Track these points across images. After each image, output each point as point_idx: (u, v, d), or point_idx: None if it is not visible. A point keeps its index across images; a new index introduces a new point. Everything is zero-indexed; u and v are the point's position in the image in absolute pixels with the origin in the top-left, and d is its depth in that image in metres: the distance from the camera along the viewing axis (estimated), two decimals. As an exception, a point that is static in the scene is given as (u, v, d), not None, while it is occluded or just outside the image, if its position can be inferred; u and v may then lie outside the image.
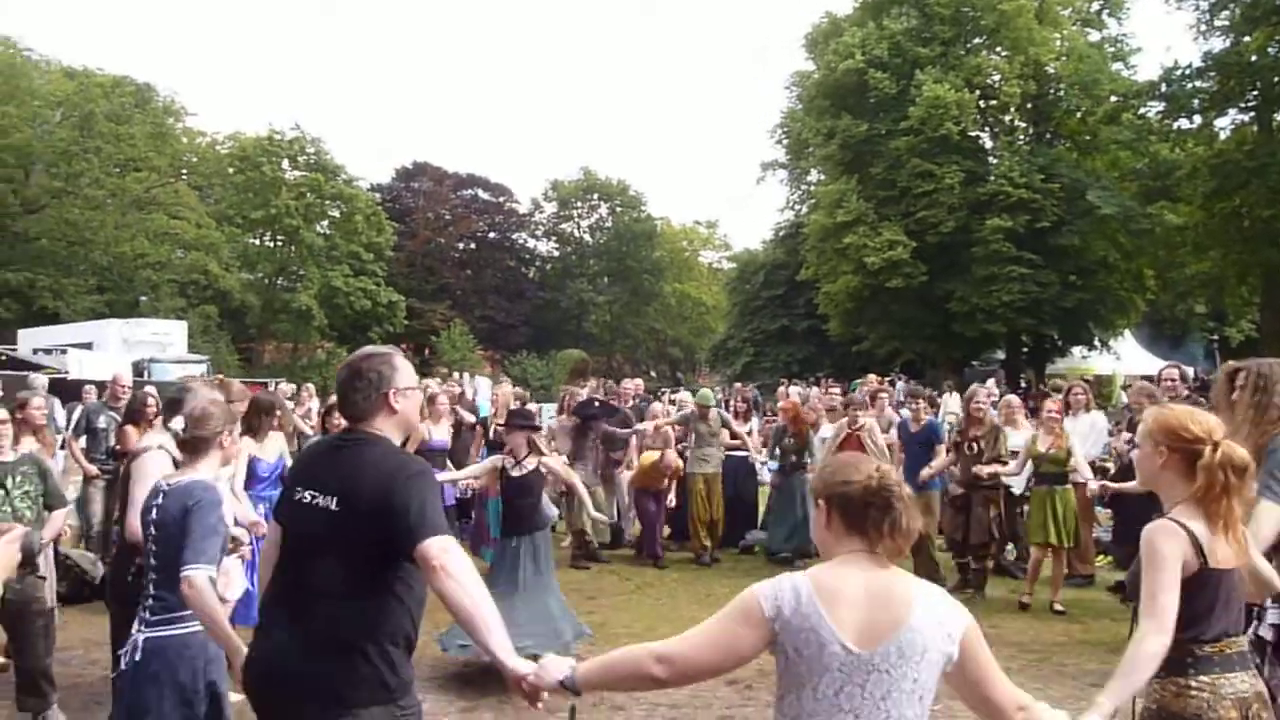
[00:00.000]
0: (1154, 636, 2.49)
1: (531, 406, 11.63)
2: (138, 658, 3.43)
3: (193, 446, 3.70)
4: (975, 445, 8.12)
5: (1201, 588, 2.59)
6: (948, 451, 8.53)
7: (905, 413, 10.53)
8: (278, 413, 6.84)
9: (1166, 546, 2.58)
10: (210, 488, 3.57)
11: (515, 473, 6.48)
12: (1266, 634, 3.02)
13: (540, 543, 6.41)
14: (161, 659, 3.42)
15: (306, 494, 2.73)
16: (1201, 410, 2.84)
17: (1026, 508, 8.42)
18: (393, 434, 2.82)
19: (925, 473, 8.42)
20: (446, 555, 2.50)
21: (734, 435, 10.46)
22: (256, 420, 6.30)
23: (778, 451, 10.09)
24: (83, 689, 5.75)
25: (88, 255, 32.55)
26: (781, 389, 18.10)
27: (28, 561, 2.57)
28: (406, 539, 2.52)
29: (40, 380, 8.63)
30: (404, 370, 2.87)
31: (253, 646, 2.75)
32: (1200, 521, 2.61)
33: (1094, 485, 7.34)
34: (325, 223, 42.24)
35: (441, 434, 9.38)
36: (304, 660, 2.58)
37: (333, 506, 2.65)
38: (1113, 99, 28.40)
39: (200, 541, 3.27)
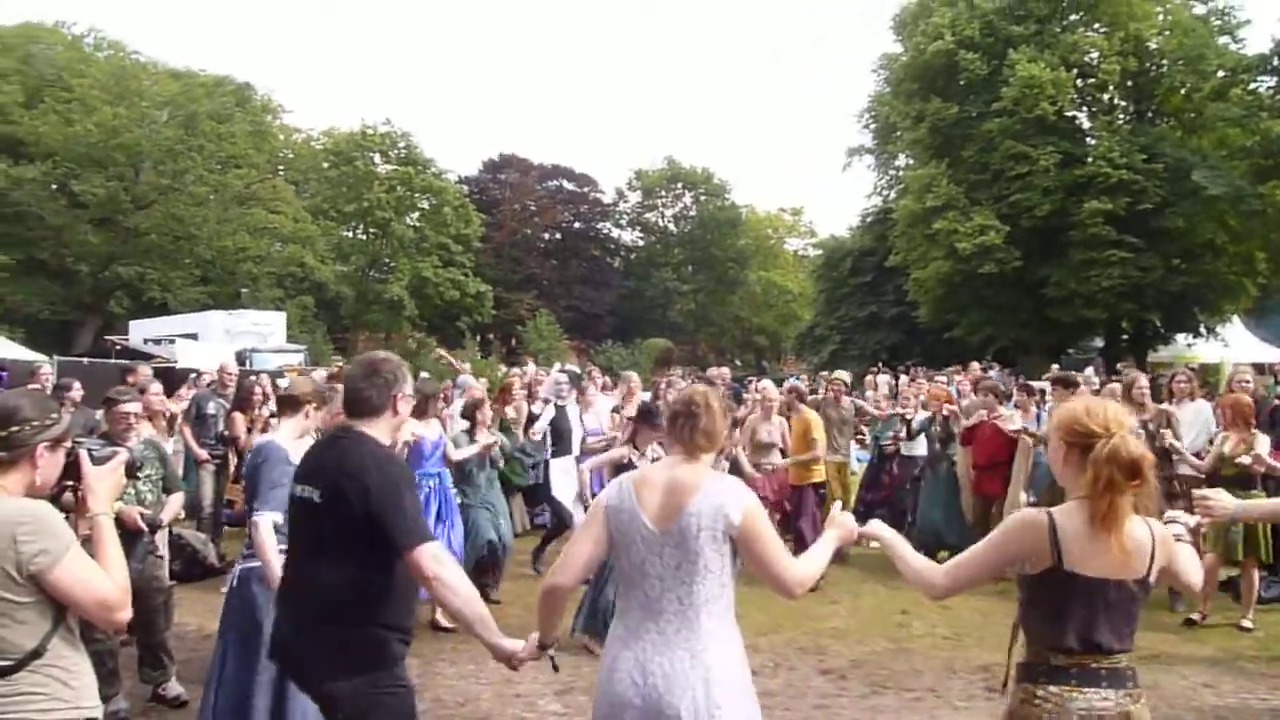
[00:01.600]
0: (940, 578, 2.56)
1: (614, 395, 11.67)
2: (234, 583, 4.33)
3: (281, 406, 4.61)
4: (1144, 430, 7.39)
5: (1058, 590, 2.42)
6: None
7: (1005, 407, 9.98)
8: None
9: (1012, 535, 2.51)
10: (278, 446, 4.21)
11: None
12: None
13: None
14: (245, 585, 4.24)
15: (299, 489, 3.04)
16: (1113, 404, 2.58)
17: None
18: (385, 435, 3.08)
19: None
20: (439, 565, 2.81)
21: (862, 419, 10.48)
22: (423, 403, 6.77)
23: (925, 441, 9.89)
24: (197, 662, 6.02)
25: (192, 249, 33.81)
26: (870, 377, 17.84)
27: (131, 473, 2.97)
28: (399, 543, 2.81)
29: (146, 370, 9.02)
30: (409, 377, 3.19)
31: (273, 623, 3.16)
32: (1082, 519, 2.42)
33: None
34: (415, 215, 43.12)
35: (591, 421, 9.42)
36: (300, 635, 2.94)
37: (316, 499, 2.93)
38: (1220, 74, 27.14)
39: (266, 491, 4.02)
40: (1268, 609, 7.40)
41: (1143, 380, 8.23)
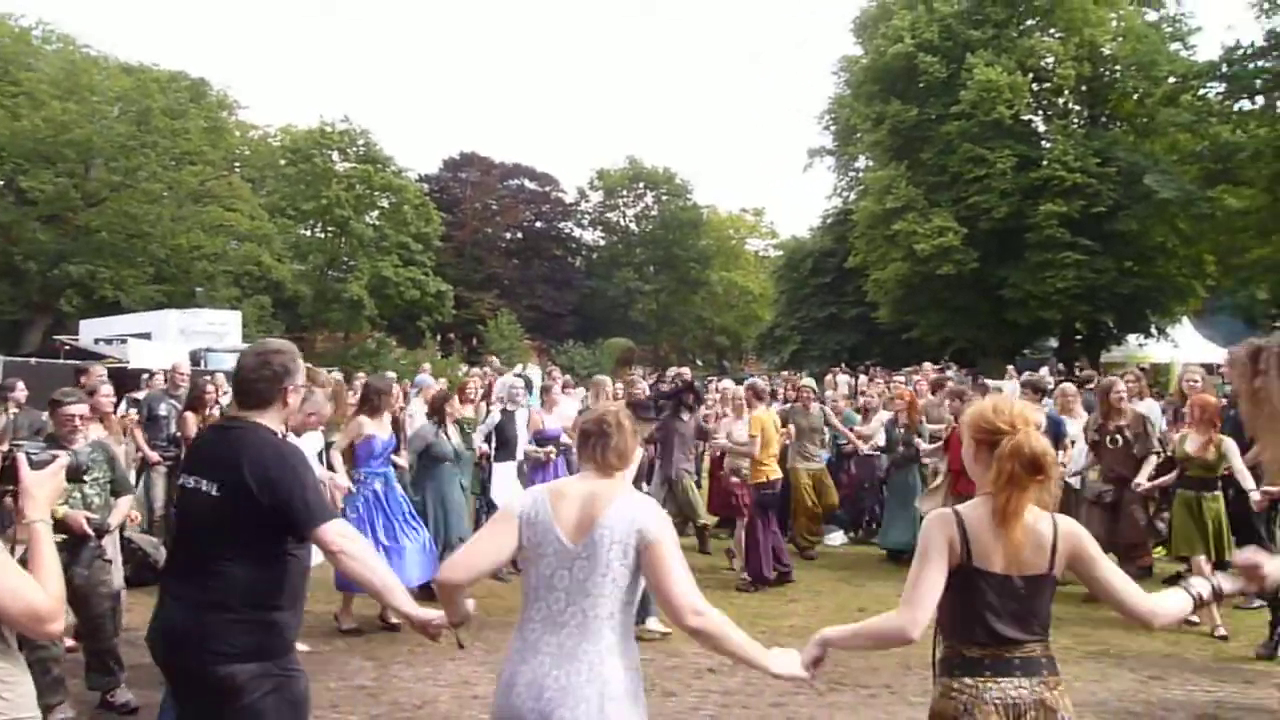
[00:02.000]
0: (901, 613, 2.49)
1: (577, 395, 11.68)
2: None
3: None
4: (1120, 438, 7.63)
5: (964, 586, 2.47)
6: (1089, 448, 8.00)
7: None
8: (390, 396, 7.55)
9: (933, 535, 2.51)
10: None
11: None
12: None
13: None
14: None
15: (191, 480, 3.07)
16: (1021, 401, 2.62)
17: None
18: (276, 425, 3.13)
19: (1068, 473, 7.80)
20: (344, 539, 2.90)
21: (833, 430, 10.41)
22: (377, 400, 6.98)
23: (888, 444, 9.84)
24: (148, 668, 5.91)
25: (146, 247, 33.19)
26: (830, 377, 17.95)
27: (74, 478, 2.82)
28: (302, 525, 2.89)
29: (99, 371, 8.85)
30: (302, 369, 3.23)
31: (154, 612, 3.07)
32: (986, 514, 2.47)
33: (1256, 496, 6.57)
34: (375, 213, 42.70)
35: (554, 422, 9.44)
36: (191, 622, 2.92)
37: (214, 492, 2.96)
38: (1171, 80, 27.72)
39: None
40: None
41: (1120, 385, 8.10)
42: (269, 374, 3.11)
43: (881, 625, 2.55)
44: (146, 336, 23.35)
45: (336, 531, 2.90)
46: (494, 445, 8.93)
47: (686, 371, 14.17)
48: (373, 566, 2.95)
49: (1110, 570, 2.55)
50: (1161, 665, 6.03)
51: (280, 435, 3.14)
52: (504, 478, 8.76)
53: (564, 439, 9.11)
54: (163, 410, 9.15)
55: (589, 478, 2.74)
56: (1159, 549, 8.89)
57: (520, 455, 8.96)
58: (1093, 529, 7.56)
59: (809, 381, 11.27)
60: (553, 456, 8.98)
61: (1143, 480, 7.32)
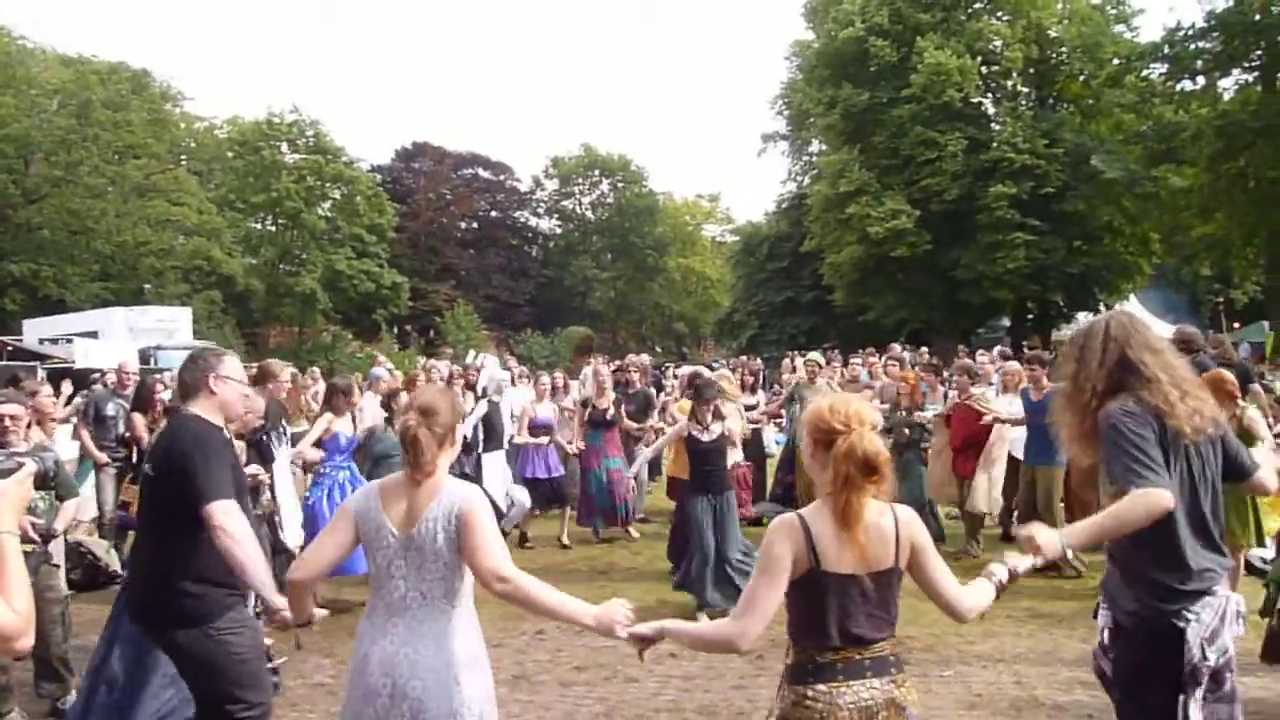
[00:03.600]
0: (735, 622, 2.51)
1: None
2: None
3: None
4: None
5: (814, 590, 2.45)
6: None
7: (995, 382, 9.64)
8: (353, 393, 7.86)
9: (777, 547, 2.47)
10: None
11: (705, 438, 6.97)
12: (1104, 636, 2.88)
13: (728, 504, 6.99)
14: None
15: (146, 467, 3.56)
16: (858, 400, 2.60)
17: None
18: (212, 415, 3.52)
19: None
20: (225, 518, 3.22)
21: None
22: (337, 399, 7.34)
23: (887, 431, 9.78)
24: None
25: (90, 244, 32.52)
26: (787, 361, 18.06)
27: (43, 485, 3.16)
28: (195, 500, 3.24)
29: (40, 374, 8.66)
30: (230, 363, 3.62)
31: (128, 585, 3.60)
32: (828, 517, 2.46)
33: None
34: (327, 205, 42.13)
35: (545, 411, 9.56)
36: (142, 590, 3.48)
37: (150, 473, 3.49)
38: (1115, 62, 28.20)
39: None
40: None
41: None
42: (193, 366, 3.56)
43: (715, 632, 2.61)
44: (93, 335, 22.88)
45: (220, 510, 3.23)
46: (481, 436, 8.94)
47: (646, 359, 14.12)
48: (246, 550, 3.24)
49: (937, 564, 2.56)
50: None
51: (207, 421, 3.48)
52: (494, 467, 8.81)
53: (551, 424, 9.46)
54: (110, 410, 8.94)
55: (413, 477, 2.86)
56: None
57: (508, 444, 9.05)
58: (1086, 510, 6.94)
59: (814, 355, 11.06)
60: (542, 444, 9.31)
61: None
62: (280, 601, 3.17)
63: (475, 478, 9.04)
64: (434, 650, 2.74)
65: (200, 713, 3.47)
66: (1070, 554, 2.78)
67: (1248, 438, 5.63)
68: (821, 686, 2.44)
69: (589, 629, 2.80)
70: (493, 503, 8.50)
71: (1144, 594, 2.74)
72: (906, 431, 9.12)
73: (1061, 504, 7.90)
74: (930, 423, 9.17)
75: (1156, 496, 2.54)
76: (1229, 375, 6.61)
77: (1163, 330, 23.02)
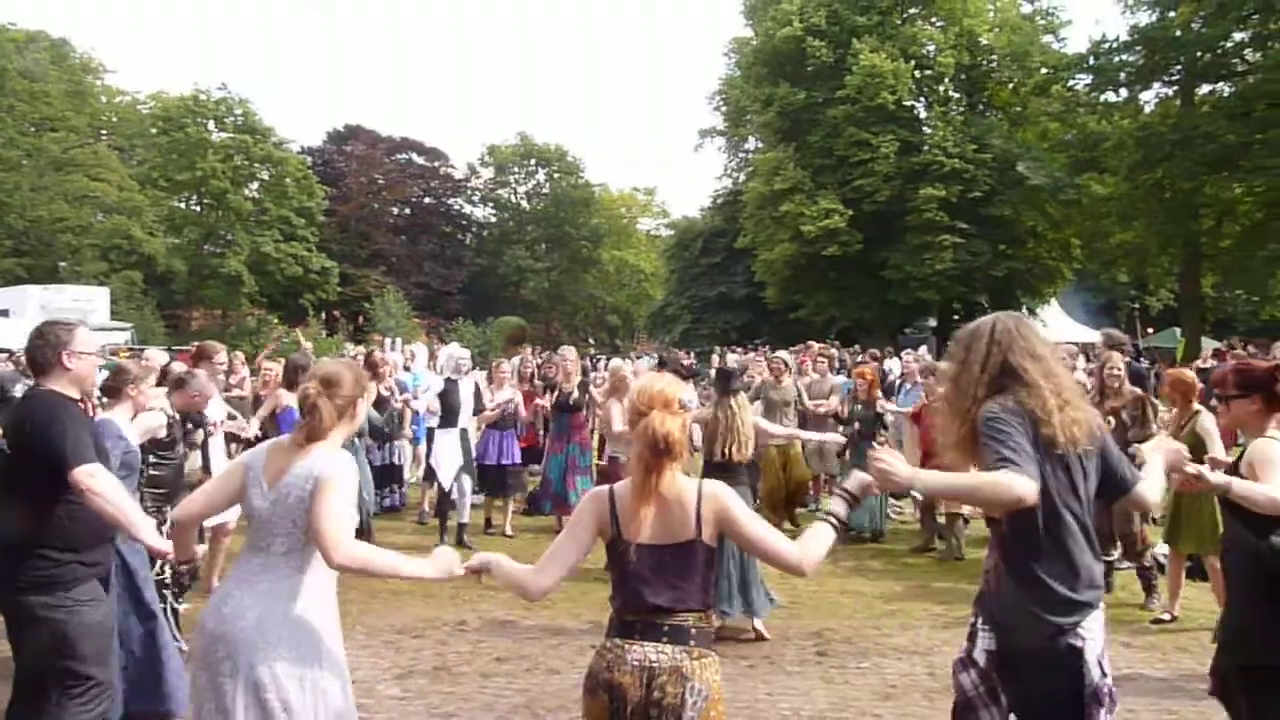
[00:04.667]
0: (534, 573, 2.68)
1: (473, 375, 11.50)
2: None
3: (107, 394, 4.80)
4: (1114, 420, 6.49)
5: (617, 556, 2.60)
6: None
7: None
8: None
9: (583, 512, 2.69)
10: (112, 423, 4.55)
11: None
12: (980, 658, 2.74)
13: (745, 500, 6.47)
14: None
15: (3, 442, 3.76)
16: (671, 380, 2.72)
17: None
18: (68, 388, 3.60)
19: None
20: (92, 479, 3.37)
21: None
22: (294, 377, 7.46)
23: (847, 422, 9.55)
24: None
25: (2, 219, 31.29)
26: (716, 356, 18.20)
27: None
28: (61, 465, 3.36)
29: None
30: (82, 337, 3.66)
31: None
32: (632, 490, 2.59)
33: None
34: (254, 186, 41.20)
35: (502, 396, 9.57)
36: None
37: (7, 449, 3.59)
38: (1043, 71, 28.93)
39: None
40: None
41: (1116, 362, 7.04)
42: (44, 344, 3.59)
43: (517, 577, 2.71)
44: (4, 314, 22.10)
45: (86, 473, 3.36)
46: (438, 413, 9.11)
47: (571, 350, 14.05)
48: (119, 504, 3.42)
49: (756, 527, 2.60)
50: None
51: (62, 395, 3.56)
52: (446, 445, 8.87)
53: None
54: (17, 392, 8.60)
55: (292, 443, 2.98)
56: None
57: (463, 423, 8.98)
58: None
59: (781, 353, 10.91)
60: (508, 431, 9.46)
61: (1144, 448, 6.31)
62: (162, 544, 3.49)
63: (428, 453, 9.52)
64: (252, 600, 2.81)
65: (34, 688, 3.50)
66: (917, 495, 2.83)
67: (1199, 444, 5.64)
68: (617, 640, 2.59)
69: (432, 580, 2.94)
70: (441, 488, 8.79)
71: (1037, 606, 2.64)
72: (858, 425, 9.21)
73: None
74: (892, 414, 9.28)
75: (1020, 483, 2.47)
76: (1191, 376, 6.58)
77: (1081, 335, 23.56)
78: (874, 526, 8.99)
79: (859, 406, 9.33)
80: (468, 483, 8.75)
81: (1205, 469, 3.31)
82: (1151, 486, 2.91)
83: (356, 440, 8.02)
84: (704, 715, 2.52)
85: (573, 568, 2.67)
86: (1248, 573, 3.30)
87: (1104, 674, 2.64)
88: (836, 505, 2.64)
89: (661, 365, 9.76)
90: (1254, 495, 3.19)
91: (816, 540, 2.57)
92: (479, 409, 9.15)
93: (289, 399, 7.32)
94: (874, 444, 8.72)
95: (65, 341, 3.59)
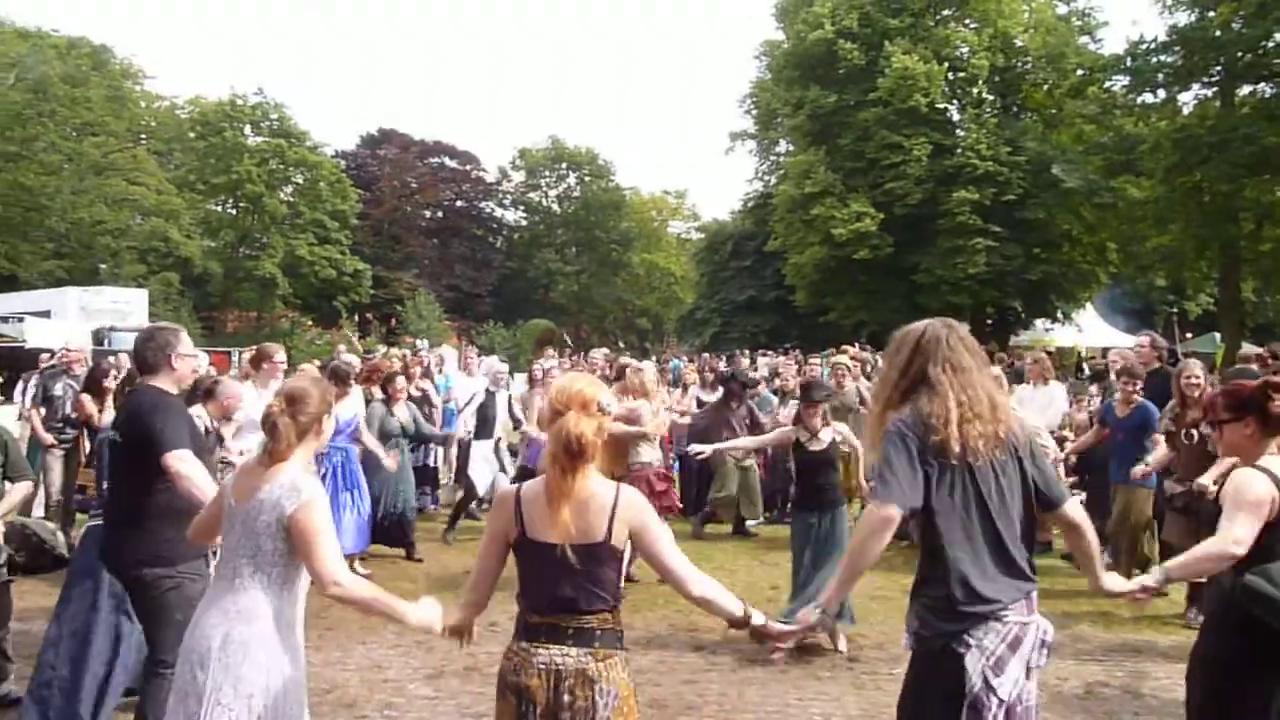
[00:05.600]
0: (472, 604, 2.81)
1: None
2: (83, 538, 4.92)
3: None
4: (1195, 433, 6.34)
5: (523, 555, 2.62)
6: (1164, 440, 6.70)
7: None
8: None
9: (491, 519, 2.75)
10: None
11: (813, 446, 6.10)
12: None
13: (840, 520, 6.06)
14: (89, 536, 4.79)
15: (111, 433, 4.13)
16: (592, 382, 2.74)
17: None
18: (170, 386, 4.03)
19: (1139, 470, 6.72)
20: (179, 463, 3.72)
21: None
22: (340, 381, 7.62)
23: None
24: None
25: (44, 221, 31.84)
26: (745, 360, 18.17)
27: None
28: (155, 451, 3.73)
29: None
30: (186, 341, 4.14)
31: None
32: (543, 489, 2.61)
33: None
34: (289, 189, 41.66)
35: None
36: (109, 535, 4.06)
37: (117, 439, 3.99)
38: (1079, 72, 28.57)
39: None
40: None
41: (1194, 371, 6.69)
42: (154, 345, 4.02)
43: (466, 616, 2.84)
44: (46, 315, 22.45)
45: (175, 457, 3.72)
46: (474, 424, 9.23)
47: (604, 353, 14.10)
48: (203, 488, 3.67)
49: (660, 546, 2.63)
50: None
51: (165, 391, 3.97)
52: (481, 455, 9.02)
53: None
54: (58, 390, 8.77)
55: (264, 459, 3.02)
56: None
57: (497, 434, 9.19)
58: (1174, 536, 6.35)
59: (842, 357, 10.66)
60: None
61: (1207, 481, 5.67)
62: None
63: (463, 464, 9.67)
64: (222, 617, 2.89)
65: (147, 657, 3.98)
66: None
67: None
68: (524, 643, 2.60)
69: (412, 626, 2.96)
70: (469, 489, 9.04)
71: (925, 611, 2.69)
72: None
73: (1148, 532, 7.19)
74: None
75: (877, 512, 2.59)
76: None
77: (1117, 339, 23.21)
78: None
79: None
80: (504, 481, 8.82)
81: (1143, 583, 3.09)
82: (1078, 507, 2.92)
83: (402, 442, 8.33)
84: (617, 713, 2.55)
85: (498, 575, 2.73)
86: (1220, 605, 3.19)
87: (989, 687, 2.55)
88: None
89: (727, 382, 9.56)
90: (1191, 569, 3.16)
91: (720, 595, 2.72)
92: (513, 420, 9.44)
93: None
94: None
95: (173, 345, 4.03)
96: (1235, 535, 3.01)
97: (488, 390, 9.36)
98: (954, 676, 2.58)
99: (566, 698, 2.52)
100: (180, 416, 3.93)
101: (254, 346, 7.88)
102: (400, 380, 8.49)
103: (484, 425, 9.12)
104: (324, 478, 7.31)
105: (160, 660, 3.83)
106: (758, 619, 2.75)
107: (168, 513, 3.81)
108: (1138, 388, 7.33)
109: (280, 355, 7.58)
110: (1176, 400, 6.61)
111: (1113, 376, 8.23)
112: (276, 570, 2.90)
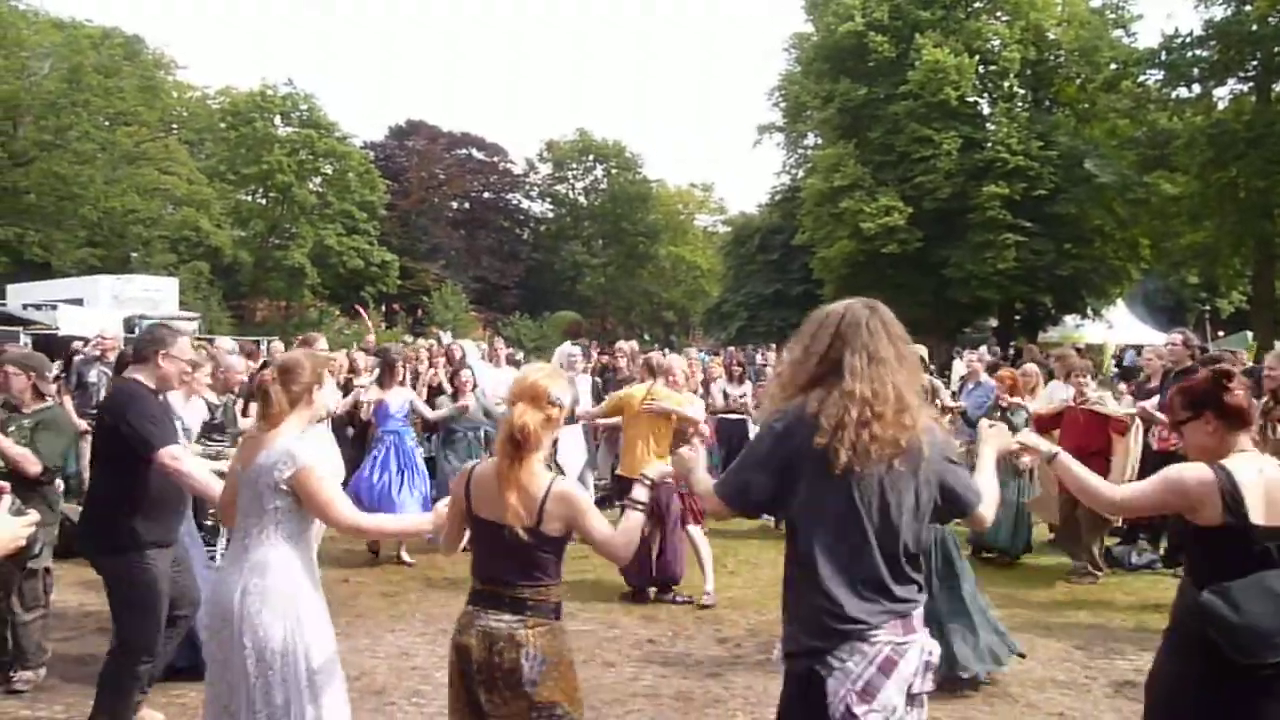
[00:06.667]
0: (446, 545, 3.11)
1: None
2: None
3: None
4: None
5: (473, 529, 2.92)
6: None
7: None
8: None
9: (454, 484, 3.03)
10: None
11: None
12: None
13: (948, 538, 5.26)
14: None
15: (98, 417, 4.37)
16: (550, 374, 2.96)
17: None
18: (150, 381, 4.15)
19: None
20: (176, 461, 3.91)
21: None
22: (387, 369, 8.32)
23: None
24: (78, 640, 5.79)
25: (77, 210, 32.21)
26: (772, 354, 18.11)
27: (28, 550, 3.60)
28: (144, 450, 3.91)
29: (23, 339, 8.71)
30: (182, 345, 4.25)
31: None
32: (492, 471, 2.87)
33: None
34: (318, 180, 41.94)
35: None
36: (81, 520, 4.35)
37: (99, 425, 4.20)
38: (1112, 66, 28.22)
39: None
40: (1137, 575, 7.86)
41: (1271, 360, 6.34)
42: (149, 339, 4.24)
43: (444, 529, 3.12)
44: (78, 302, 22.73)
45: (169, 455, 3.90)
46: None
47: (634, 345, 14.07)
48: (202, 478, 3.90)
49: (591, 527, 2.82)
50: (1087, 635, 6.21)
51: (144, 385, 4.11)
52: (569, 441, 9.29)
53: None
54: (92, 377, 8.90)
55: (261, 425, 3.27)
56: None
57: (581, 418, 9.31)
58: None
59: (916, 348, 10.36)
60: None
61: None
62: None
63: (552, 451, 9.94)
64: (237, 575, 3.11)
65: (112, 638, 4.15)
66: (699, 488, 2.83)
67: None
68: (470, 606, 2.90)
69: (422, 529, 3.36)
70: (560, 470, 9.17)
71: (791, 627, 2.55)
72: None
73: None
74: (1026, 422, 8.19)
75: (710, 498, 2.66)
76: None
77: (1149, 337, 22.85)
78: (1014, 547, 8.18)
79: (1001, 411, 8.53)
80: (590, 477, 9.19)
81: (1028, 433, 3.12)
82: (986, 495, 2.69)
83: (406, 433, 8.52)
84: (545, 677, 2.78)
85: (461, 533, 3.04)
86: (1180, 621, 2.93)
87: (850, 713, 2.37)
88: (640, 493, 2.91)
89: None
90: (1072, 473, 3.01)
91: (627, 528, 2.87)
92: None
93: (379, 393, 8.14)
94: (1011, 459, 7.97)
95: (166, 343, 4.19)
96: (1124, 492, 2.97)
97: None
98: (818, 703, 2.41)
99: (496, 659, 2.78)
100: (158, 410, 4.11)
101: (296, 334, 8.72)
102: (466, 373, 8.85)
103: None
104: (382, 459, 7.92)
105: (124, 643, 4.05)
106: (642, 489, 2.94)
107: (136, 499, 3.99)
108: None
109: (323, 343, 8.21)
110: (1268, 396, 6.09)
111: (1143, 375, 8.04)
112: (283, 526, 3.12)
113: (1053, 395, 8.58)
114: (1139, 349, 19.94)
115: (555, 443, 9.19)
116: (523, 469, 2.79)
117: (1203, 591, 2.72)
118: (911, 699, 2.47)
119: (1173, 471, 2.85)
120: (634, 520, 2.88)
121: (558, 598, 2.88)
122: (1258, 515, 2.68)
